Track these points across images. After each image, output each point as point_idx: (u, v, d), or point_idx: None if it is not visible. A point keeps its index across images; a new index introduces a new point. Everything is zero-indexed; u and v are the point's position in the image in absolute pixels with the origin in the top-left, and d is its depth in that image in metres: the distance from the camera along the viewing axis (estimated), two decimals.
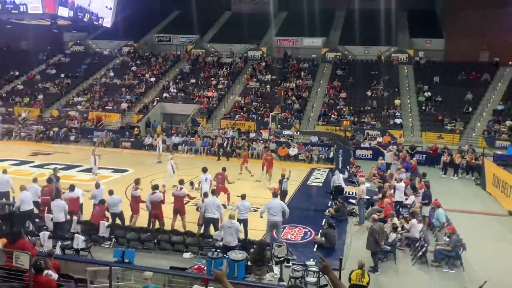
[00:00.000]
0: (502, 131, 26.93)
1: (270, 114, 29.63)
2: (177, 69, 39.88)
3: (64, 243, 10.96)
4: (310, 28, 40.66)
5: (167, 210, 12.82)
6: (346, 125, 27.06)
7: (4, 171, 14.01)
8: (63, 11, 20.63)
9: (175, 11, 48.88)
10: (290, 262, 10.52)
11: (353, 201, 15.96)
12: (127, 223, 12.53)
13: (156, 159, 24.03)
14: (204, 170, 15.24)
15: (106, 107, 34.29)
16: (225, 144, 26.38)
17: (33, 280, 7.17)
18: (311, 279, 9.58)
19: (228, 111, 33.25)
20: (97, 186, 13.26)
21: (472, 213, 16.00)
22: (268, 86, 35.40)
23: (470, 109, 29.93)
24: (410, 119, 30.30)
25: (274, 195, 12.53)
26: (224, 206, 13.25)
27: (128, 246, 11.41)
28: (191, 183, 16.94)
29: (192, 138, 27.94)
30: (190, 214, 13.20)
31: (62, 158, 23.92)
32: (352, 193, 16.67)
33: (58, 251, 10.29)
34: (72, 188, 12.72)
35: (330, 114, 31.00)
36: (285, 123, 29.56)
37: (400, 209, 14.84)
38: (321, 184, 20.14)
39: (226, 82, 36.61)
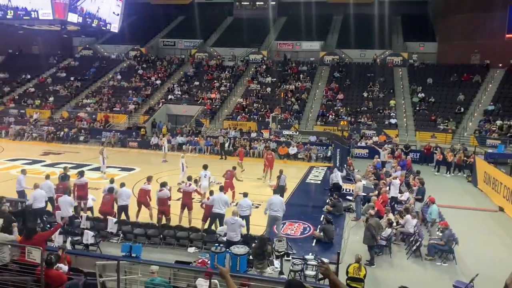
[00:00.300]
0: (493, 130, 26.89)
1: (271, 114, 29.59)
2: (181, 72, 39.87)
3: (74, 239, 10.98)
4: (308, 33, 40.65)
5: (174, 206, 12.82)
6: (343, 125, 27.04)
7: (23, 171, 14.06)
8: (73, 17, 20.68)
9: (179, 17, 48.87)
10: (290, 256, 10.53)
11: (350, 197, 15.95)
12: (133, 219, 12.53)
13: (162, 158, 24.06)
14: (205, 167, 15.55)
15: (114, 109, 34.31)
16: (226, 144, 26.37)
17: (44, 274, 7.18)
18: (310, 272, 9.58)
19: (230, 112, 33.23)
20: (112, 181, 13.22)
21: (464, 209, 15.98)
22: (268, 88, 35.37)
23: (462, 110, 29.88)
24: (405, 119, 30.26)
25: (275, 191, 12.56)
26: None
27: (135, 241, 11.41)
28: (195, 181, 16.94)
29: (196, 138, 27.94)
30: (194, 210, 13.21)
31: (72, 158, 23.97)
32: (349, 190, 16.66)
33: (68, 246, 10.30)
34: (81, 173, 12.78)
35: (328, 114, 30.98)
36: (285, 123, 29.54)
37: (395, 205, 14.83)
38: (319, 182, 20.13)
39: (228, 84, 36.60)
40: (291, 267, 9.72)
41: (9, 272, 7.55)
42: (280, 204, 12.01)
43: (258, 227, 12.18)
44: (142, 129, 30.12)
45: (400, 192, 15.83)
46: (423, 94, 32.05)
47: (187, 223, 12.36)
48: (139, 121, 32.89)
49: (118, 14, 24.43)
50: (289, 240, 11.11)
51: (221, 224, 11.82)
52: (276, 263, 10.22)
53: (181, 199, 13.06)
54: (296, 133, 24.24)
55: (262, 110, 32.27)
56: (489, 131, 26.97)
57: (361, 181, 15.38)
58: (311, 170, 22.62)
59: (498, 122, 27.39)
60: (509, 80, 31.65)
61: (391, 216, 12.77)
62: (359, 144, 26.70)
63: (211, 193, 12.63)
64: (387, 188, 15.42)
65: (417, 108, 31.00)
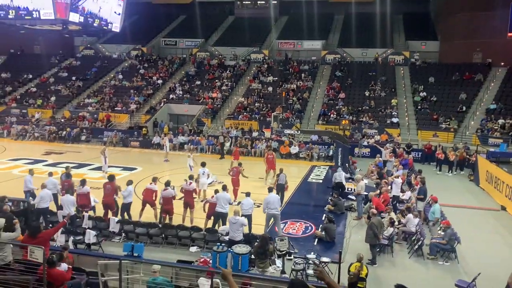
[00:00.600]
0: (495, 129, 26.82)
1: (272, 114, 29.61)
2: (183, 72, 39.88)
3: (76, 238, 11.01)
4: (310, 32, 40.63)
5: (175, 206, 12.84)
6: (345, 124, 27.02)
7: (31, 172, 14.11)
8: (74, 17, 20.74)
9: (180, 16, 48.89)
10: (292, 256, 10.54)
11: (352, 197, 15.94)
12: (136, 218, 12.56)
13: (164, 157, 24.08)
14: (203, 164, 15.94)
15: (116, 108, 34.35)
16: (228, 144, 26.38)
17: (46, 273, 7.20)
18: (312, 271, 9.58)
19: (231, 111, 33.24)
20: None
21: (466, 207, 15.96)
22: (270, 87, 35.37)
23: (464, 108, 29.82)
24: (407, 118, 30.21)
25: (270, 189, 12.59)
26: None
27: (137, 240, 11.45)
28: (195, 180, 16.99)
29: (197, 138, 27.96)
30: (197, 209, 13.23)
31: (73, 157, 24.02)
32: (351, 189, 16.65)
33: (70, 245, 10.33)
34: (83, 182, 12.81)
35: (329, 113, 30.96)
36: (286, 123, 29.54)
37: (397, 204, 14.82)
38: (321, 181, 20.12)
39: (229, 83, 36.60)
40: (293, 267, 9.73)
41: (11, 271, 7.56)
42: (278, 202, 12.20)
43: (261, 226, 12.20)
44: (143, 129, 30.15)
45: (402, 191, 15.82)
46: (425, 93, 31.99)
47: (189, 222, 12.39)
48: (141, 121, 32.93)
49: (119, 14, 24.48)
50: (291, 239, 11.11)
51: (223, 223, 11.85)
52: (278, 262, 10.22)
53: (182, 198, 13.09)
54: (297, 132, 24.22)
55: (263, 109, 32.27)
56: (491, 130, 26.90)
57: (362, 180, 15.37)
58: (313, 170, 22.61)
59: (500, 121, 27.32)
60: (511, 79, 31.56)
61: (393, 215, 12.76)
62: (361, 143, 26.67)
63: (216, 191, 12.63)
64: (389, 187, 15.42)
65: (419, 107, 30.95)
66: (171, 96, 35.09)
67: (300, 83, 35.43)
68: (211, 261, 9.81)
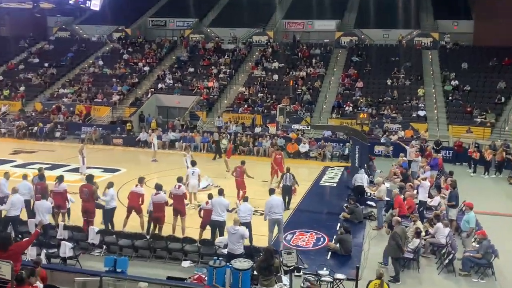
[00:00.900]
0: None
1: (278, 106, 29.50)
2: (173, 57, 39.88)
3: (50, 251, 11.03)
4: (322, 10, 40.53)
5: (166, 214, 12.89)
6: (363, 118, 26.96)
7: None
8: None
9: None
10: (301, 272, 10.55)
11: (372, 203, 15.93)
12: (119, 227, 12.57)
13: (151, 157, 24.12)
14: (193, 163, 16.02)
15: (95, 100, 34.39)
16: (226, 141, 26.33)
17: None
18: None
19: (230, 103, 33.23)
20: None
21: (506, 216, 15.91)
22: (275, 75, 35.33)
23: (503, 99, 29.70)
24: (435, 111, 30.14)
25: (272, 191, 12.62)
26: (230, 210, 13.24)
27: (120, 254, 11.47)
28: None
29: (191, 134, 27.98)
30: (188, 217, 13.26)
31: (46, 157, 24.06)
32: (371, 194, 16.64)
33: (43, 259, 10.35)
34: (60, 179, 12.86)
35: (345, 105, 30.91)
36: (294, 116, 29.48)
37: (424, 211, 14.80)
38: (335, 184, 20.12)
39: (228, 71, 36.58)
40: (302, 284, 9.74)
41: None
42: (281, 205, 12.31)
43: (264, 237, 12.21)
44: (128, 124, 30.18)
45: (430, 196, 15.79)
46: (456, 82, 31.90)
47: (181, 233, 12.41)
48: (125, 114, 32.97)
49: None
50: (300, 252, 11.13)
51: (221, 234, 11.86)
52: (285, 279, 10.22)
53: (171, 205, 13.09)
54: (307, 127, 24.15)
55: (267, 101, 32.25)
56: None
57: (384, 183, 15.35)
58: (326, 171, 22.59)
59: None
60: None
61: (419, 224, 12.74)
62: (382, 140, 26.67)
63: (210, 196, 12.64)
64: (415, 191, 15.38)
65: (450, 97, 30.86)
66: (159, 85, 35.10)
67: (310, 70, 35.38)
68: (206, 278, 9.83)
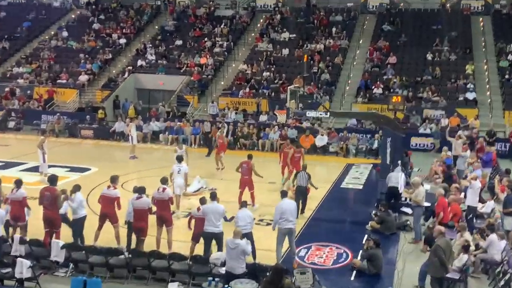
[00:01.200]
0: None
1: (288, 88, 29.44)
2: (156, 27, 39.89)
3: (3, 271, 11.07)
4: None
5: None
6: (396, 102, 26.86)
7: None
8: None
9: None
10: None
11: (408, 209, 15.92)
12: (90, 241, 12.61)
13: (129, 153, 24.12)
14: (179, 159, 16.35)
15: (58, 81, 34.42)
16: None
17: None
18: None
19: (228, 85, 33.22)
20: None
21: None
22: (285, 48, 35.27)
23: None
24: (488, 93, 30.12)
25: (284, 193, 12.62)
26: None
27: (91, 274, 11.50)
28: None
29: (178, 124, 27.99)
30: (176, 229, 13.30)
31: None
32: (407, 199, 16.62)
33: None
34: (18, 184, 12.86)
35: (373, 87, 30.86)
36: (309, 101, 29.39)
37: (474, 219, 14.77)
38: (361, 187, 20.11)
39: (225, 43, 36.54)
40: None
41: None
42: (294, 211, 12.34)
43: (271, 252, 12.23)
44: (99, 111, 30.23)
45: (481, 200, 15.75)
46: None
47: (167, 247, 12.44)
48: (95, 99, 33.00)
49: None
50: (316, 272, 11.13)
51: (219, 248, 11.85)
52: None
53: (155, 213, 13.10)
54: (326, 114, 24.12)
55: (275, 81, 32.23)
56: None
57: (422, 185, 15.32)
58: (349, 170, 22.60)
59: None
60: None
61: (467, 236, 12.72)
62: (420, 130, 26.61)
63: (202, 201, 12.61)
64: (462, 194, 15.34)
65: (506, 76, 30.77)
66: (139, 62, 35.12)
67: (329, 42, 35.29)
68: None
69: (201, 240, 12.30)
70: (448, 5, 37.10)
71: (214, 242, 12.08)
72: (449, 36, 34.16)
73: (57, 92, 33.43)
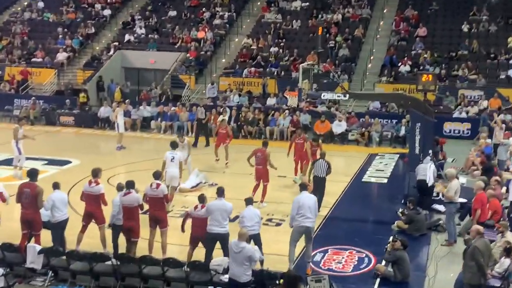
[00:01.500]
0: None
1: (301, 65, 29.42)
2: None
3: None
4: None
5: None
6: (427, 81, 26.75)
7: None
8: None
9: None
10: None
11: (440, 207, 15.93)
12: (72, 245, 12.69)
13: (116, 142, 24.17)
14: (173, 145, 16.33)
15: (33, 60, 34.54)
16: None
17: None
18: None
19: (231, 62, 33.24)
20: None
21: None
22: (296, 20, 35.25)
23: None
24: None
25: (303, 187, 12.58)
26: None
27: (73, 282, 11.58)
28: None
29: (173, 109, 28.03)
30: (172, 231, 13.36)
31: None
32: (439, 194, 16.62)
33: None
34: None
35: (400, 64, 30.80)
36: (325, 81, 29.45)
37: None
38: (385, 180, 20.14)
39: (226, 14, 36.51)
40: None
41: None
42: (314, 206, 12.21)
43: (282, 257, 12.28)
44: (81, 94, 30.29)
45: None
46: None
47: (160, 252, 12.51)
48: (76, 81, 33.08)
49: None
50: (334, 279, 11.17)
51: (224, 252, 11.82)
52: None
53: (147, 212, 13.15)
54: (344, 97, 24.11)
55: (285, 58, 32.19)
56: None
57: (457, 178, 15.30)
58: (372, 161, 22.63)
59: None
60: None
61: (509, 236, 12.73)
62: (455, 114, 26.56)
63: (201, 198, 12.58)
64: (503, 189, 15.33)
65: None
66: (127, 37, 35.14)
67: (348, 12, 35.19)
68: None
69: (200, 244, 12.31)
70: None
71: (217, 245, 12.04)
72: (489, 3, 34.00)
73: (32, 72, 33.54)
